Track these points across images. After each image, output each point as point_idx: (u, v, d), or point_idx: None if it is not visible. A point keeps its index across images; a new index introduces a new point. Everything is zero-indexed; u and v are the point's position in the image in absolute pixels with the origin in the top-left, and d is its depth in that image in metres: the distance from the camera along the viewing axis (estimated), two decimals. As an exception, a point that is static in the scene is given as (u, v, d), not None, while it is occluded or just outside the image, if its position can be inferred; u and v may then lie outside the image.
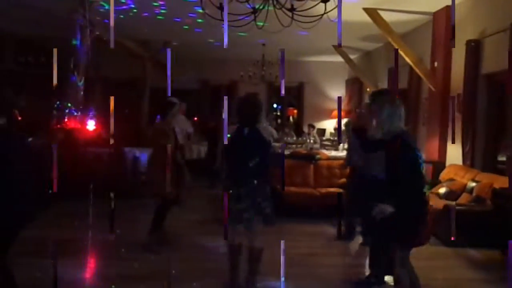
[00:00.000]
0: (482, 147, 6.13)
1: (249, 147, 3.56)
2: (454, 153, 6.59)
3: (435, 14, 7.07)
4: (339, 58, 11.04)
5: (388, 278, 3.96)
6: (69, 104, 6.74)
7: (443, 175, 6.39)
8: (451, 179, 6.05)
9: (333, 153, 7.96)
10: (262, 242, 3.69)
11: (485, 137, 6.11)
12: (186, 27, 8.40)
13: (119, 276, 4.09)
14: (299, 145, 9.73)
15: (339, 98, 2.08)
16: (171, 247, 4.82)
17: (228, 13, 3.67)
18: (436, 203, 5.54)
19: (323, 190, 6.55)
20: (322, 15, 3.74)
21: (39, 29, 8.89)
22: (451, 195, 5.69)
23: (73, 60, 6.98)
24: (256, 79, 10.47)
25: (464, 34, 6.33)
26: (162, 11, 7.36)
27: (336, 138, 9.93)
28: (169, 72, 1.98)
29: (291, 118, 13.89)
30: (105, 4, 6.77)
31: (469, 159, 6.15)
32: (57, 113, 6.91)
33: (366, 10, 6.83)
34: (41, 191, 5.10)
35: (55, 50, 1.92)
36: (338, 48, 10.37)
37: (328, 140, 10.80)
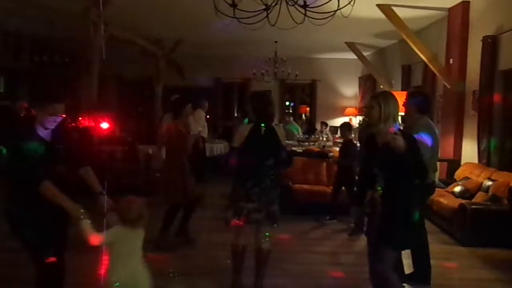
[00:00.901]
0: (499, 145, 6.02)
1: (265, 146, 3.48)
2: (470, 151, 6.49)
3: (451, 10, 6.96)
4: (352, 55, 10.96)
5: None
6: (84, 103, 6.81)
7: (458, 174, 6.30)
8: (467, 178, 5.96)
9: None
10: (270, 243, 3.61)
11: (502, 135, 6.00)
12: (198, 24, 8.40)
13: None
14: (311, 143, 9.68)
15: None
16: (188, 245, 4.86)
17: (241, 10, 3.68)
18: (451, 202, 5.47)
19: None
20: (335, 11, 3.71)
21: (54, 29, 8.99)
22: (467, 193, 5.61)
23: (87, 59, 7.04)
24: (268, 76, 10.44)
25: (480, 30, 6.22)
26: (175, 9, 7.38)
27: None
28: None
29: (303, 115, 13.84)
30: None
31: (485, 157, 6.05)
32: (71, 111, 6.98)
33: (379, 6, 6.76)
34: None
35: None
36: (351, 45, 10.31)
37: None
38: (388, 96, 2.95)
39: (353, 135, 6.79)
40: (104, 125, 7.20)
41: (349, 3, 3.60)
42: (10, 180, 2.79)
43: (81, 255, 3.45)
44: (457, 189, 5.75)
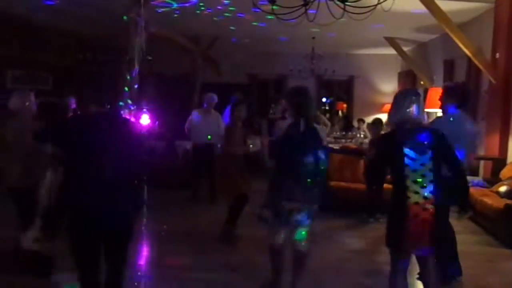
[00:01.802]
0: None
1: (306, 144, 3.32)
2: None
3: (498, 1, 6.65)
4: (391, 51, 10.70)
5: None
6: (128, 99, 7.01)
7: (504, 173, 6.04)
8: (513, 177, 5.72)
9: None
10: (306, 244, 3.51)
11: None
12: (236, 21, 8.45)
13: (171, 265, 4.22)
14: (348, 140, 9.58)
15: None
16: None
17: (279, 6, 3.67)
18: (496, 202, 5.26)
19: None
20: (376, 5, 3.63)
21: (96, 27, 9.30)
22: (513, 194, 5.38)
23: (128, 57, 7.23)
24: (305, 72, 10.37)
25: (530, 22, 5.93)
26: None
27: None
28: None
29: (340, 112, 13.68)
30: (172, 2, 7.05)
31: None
32: (113, 107, 7.20)
33: (421, -1, 6.56)
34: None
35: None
36: (391, 40, 10.07)
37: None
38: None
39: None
40: (144, 121, 7.39)
41: (390, -4, 3.53)
42: None
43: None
44: (503, 188, 5.52)
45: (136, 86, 7.25)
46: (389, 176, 3.06)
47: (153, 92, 11.39)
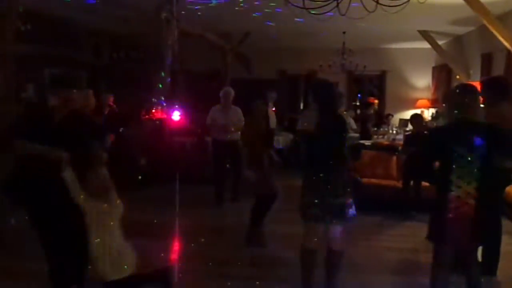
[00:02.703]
0: None
1: (333, 137, 3.26)
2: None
3: (540, -9, 6.36)
4: (425, 44, 10.41)
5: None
6: (160, 96, 7.15)
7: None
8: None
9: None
10: (341, 244, 3.42)
11: None
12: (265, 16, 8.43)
13: (197, 259, 4.26)
14: (380, 136, 9.42)
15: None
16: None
17: (310, 1, 3.63)
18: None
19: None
20: (411, -3, 3.53)
21: (129, 26, 9.48)
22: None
23: (160, 54, 7.35)
24: (336, 68, 10.23)
25: None
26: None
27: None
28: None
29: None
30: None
31: None
32: (146, 104, 7.37)
33: (457, -10, 6.34)
34: (132, 177, 5.52)
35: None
36: (425, 33, 9.80)
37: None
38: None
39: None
40: (176, 117, 7.50)
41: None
42: None
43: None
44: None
45: (168, 82, 7.38)
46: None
47: (184, 89, 11.56)
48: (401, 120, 11.23)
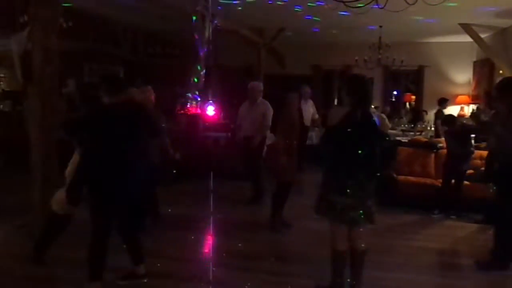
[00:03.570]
0: None
1: (362, 135, 3.11)
2: None
3: None
4: (466, 38, 10.00)
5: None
6: (195, 91, 7.22)
7: None
8: None
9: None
10: (365, 242, 3.34)
11: None
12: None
13: (228, 253, 4.27)
14: (417, 133, 9.18)
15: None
16: (285, 229, 4.95)
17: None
18: None
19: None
20: (454, -11, 3.40)
21: (165, 23, 9.62)
22: None
23: (195, 50, 7.42)
24: (371, 63, 10.01)
25: None
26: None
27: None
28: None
29: (407, 104, 13.11)
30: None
31: None
32: (181, 99, 7.46)
33: (503, -19, 6.06)
34: (167, 171, 5.61)
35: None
36: (466, 26, 9.42)
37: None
38: None
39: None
40: (210, 113, 7.56)
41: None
42: None
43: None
44: None
45: (202, 78, 7.44)
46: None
47: (218, 84, 11.65)
48: (439, 116, 10.87)
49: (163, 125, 4.48)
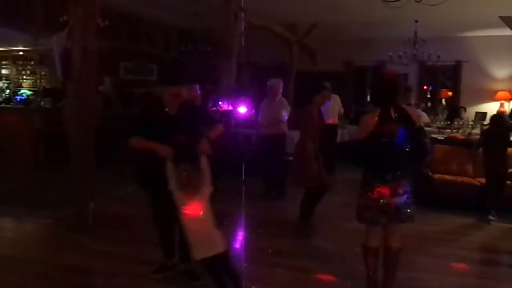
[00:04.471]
0: None
1: (394, 134, 3.04)
2: None
3: None
4: (507, 31, 9.60)
5: None
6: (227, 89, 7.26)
7: None
8: None
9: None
10: (400, 241, 3.28)
11: None
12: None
13: (256, 248, 4.28)
14: (454, 130, 8.88)
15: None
16: (318, 228, 4.90)
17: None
18: None
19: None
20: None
21: (197, 20, 9.72)
22: None
23: (227, 47, 7.45)
24: (406, 58, 9.77)
25: None
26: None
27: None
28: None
29: (443, 100, 12.72)
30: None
31: None
32: (213, 96, 7.53)
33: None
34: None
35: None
36: (508, 19, 9.04)
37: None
38: None
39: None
40: (241, 110, 7.59)
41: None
42: None
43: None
44: None
45: (234, 76, 7.47)
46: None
47: (250, 81, 11.68)
48: (477, 113, 10.52)
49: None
